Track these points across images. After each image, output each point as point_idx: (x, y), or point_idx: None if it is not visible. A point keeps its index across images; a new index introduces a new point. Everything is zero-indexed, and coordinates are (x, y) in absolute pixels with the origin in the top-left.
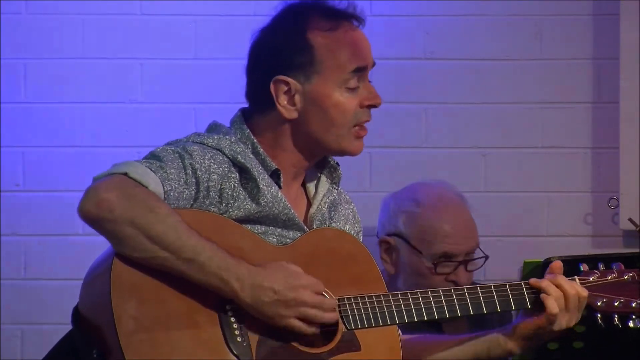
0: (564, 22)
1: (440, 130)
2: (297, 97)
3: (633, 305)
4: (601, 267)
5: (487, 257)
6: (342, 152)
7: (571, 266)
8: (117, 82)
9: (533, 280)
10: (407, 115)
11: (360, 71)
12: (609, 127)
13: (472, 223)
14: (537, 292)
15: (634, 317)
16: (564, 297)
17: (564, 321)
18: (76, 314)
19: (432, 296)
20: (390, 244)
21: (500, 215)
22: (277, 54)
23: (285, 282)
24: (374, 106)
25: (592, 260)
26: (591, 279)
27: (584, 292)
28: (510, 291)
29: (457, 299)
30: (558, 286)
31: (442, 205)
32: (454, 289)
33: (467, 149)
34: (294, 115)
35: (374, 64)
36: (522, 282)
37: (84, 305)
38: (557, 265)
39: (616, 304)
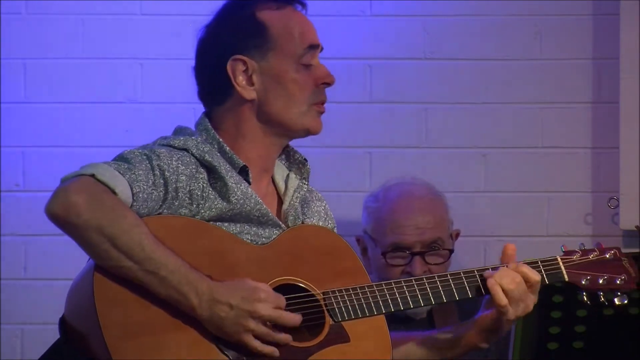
0: (564, 22)
1: (440, 130)
2: (254, 77)
3: (617, 282)
4: (582, 246)
5: (451, 251)
6: (305, 131)
7: None
8: (117, 82)
9: (487, 274)
10: (407, 115)
11: (314, 49)
12: (609, 127)
13: (433, 216)
14: None
15: (619, 294)
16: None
17: (519, 309)
18: (63, 326)
19: (416, 284)
20: (360, 242)
21: (500, 215)
22: (230, 37)
23: (241, 297)
24: (328, 84)
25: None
26: (574, 258)
27: (536, 277)
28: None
29: (441, 286)
30: (503, 277)
31: (397, 199)
32: (437, 276)
33: (467, 149)
34: (252, 95)
35: (322, 48)
36: (525, 260)
37: (70, 318)
38: (510, 248)
39: (600, 281)
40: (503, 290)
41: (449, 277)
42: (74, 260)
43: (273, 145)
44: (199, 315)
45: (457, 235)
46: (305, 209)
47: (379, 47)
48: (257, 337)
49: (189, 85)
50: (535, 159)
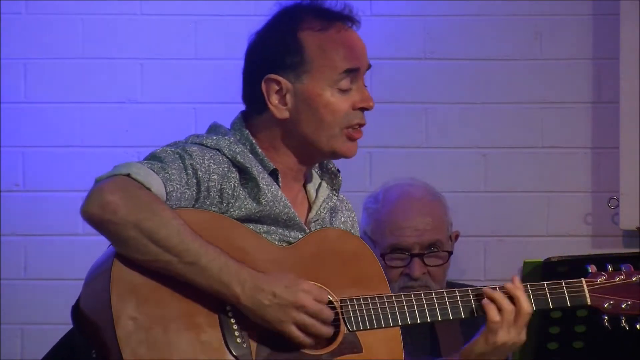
0: (564, 22)
1: (440, 130)
2: (288, 97)
3: None
4: (609, 268)
5: (450, 253)
6: (334, 154)
7: (572, 266)
8: (117, 82)
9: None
10: (407, 115)
11: (353, 72)
12: (609, 127)
13: (432, 217)
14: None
15: None
16: (514, 310)
17: (510, 336)
18: (76, 313)
19: (435, 297)
20: None
21: (500, 215)
22: (268, 53)
23: (285, 286)
24: (366, 109)
25: (594, 260)
26: (598, 281)
27: (528, 309)
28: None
29: (461, 301)
30: (514, 298)
31: (396, 200)
32: (458, 291)
33: (467, 149)
34: (285, 115)
35: (369, 66)
36: (549, 282)
37: (84, 305)
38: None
39: (623, 306)
40: (498, 308)
41: (470, 292)
42: (74, 260)
43: (304, 161)
44: (242, 304)
45: (457, 236)
46: (333, 219)
47: (379, 47)
48: (299, 327)
49: (189, 85)
50: (535, 159)
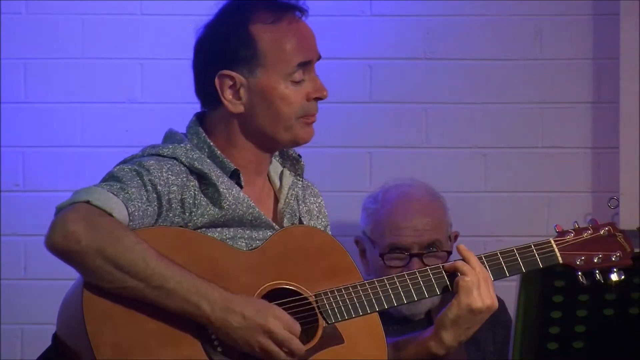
0: (564, 22)
1: (440, 130)
2: (242, 91)
3: (613, 259)
4: (576, 225)
5: (450, 253)
6: (295, 142)
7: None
8: (117, 82)
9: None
10: (407, 115)
11: (306, 65)
12: (609, 127)
13: (432, 217)
14: None
15: (615, 270)
16: (475, 273)
17: (483, 300)
18: (56, 342)
19: (409, 278)
20: (359, 243)
21: (500, 215)
22: (220, 48)
23: (256, 310)
24: (320, 98)
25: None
26: (567, 238)
27: (481, 269)
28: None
29: (434, 279)
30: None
31: (396, 200)
32: (430, 268)
33: (467, 149)
34: (240, 109)
35: (319, 57)
36: (518, 247)
37: (62, 335)
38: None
39: (595, 260)
40: (461, 274)
41: (442, 269)
42: None
43: (264, 151)
44: (212, 323)
45: (456, 237)
46: (301, 206)
47: (379, 47)
48: (263, 352)
49: (189, 86)
50: (535, 159)
